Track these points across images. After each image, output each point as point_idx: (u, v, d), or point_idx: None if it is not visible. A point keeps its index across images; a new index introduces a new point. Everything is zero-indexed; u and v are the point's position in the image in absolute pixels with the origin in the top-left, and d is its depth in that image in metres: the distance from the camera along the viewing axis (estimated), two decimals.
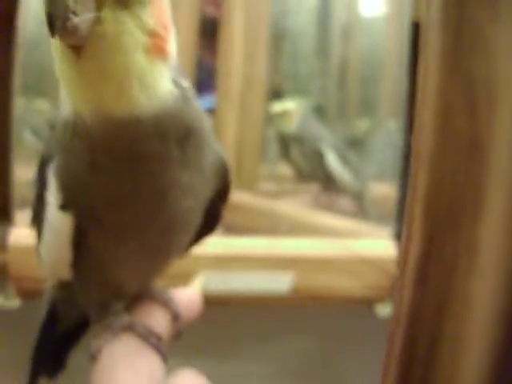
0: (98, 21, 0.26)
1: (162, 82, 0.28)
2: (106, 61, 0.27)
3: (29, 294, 0.59)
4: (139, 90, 0.27)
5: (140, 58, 0.27)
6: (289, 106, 1.04)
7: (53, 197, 0.32)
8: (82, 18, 0.25)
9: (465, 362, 0.16)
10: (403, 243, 0.19)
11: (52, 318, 0.43)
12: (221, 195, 0.36)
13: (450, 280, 0.16)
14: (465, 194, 0.16)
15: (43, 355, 0.44)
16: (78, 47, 0.26)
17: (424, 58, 0.17)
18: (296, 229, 0.83)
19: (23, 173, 0.64)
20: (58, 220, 0.32)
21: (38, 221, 0.36)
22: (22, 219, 0.63)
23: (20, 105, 0.61)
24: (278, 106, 1.05)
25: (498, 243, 0.15)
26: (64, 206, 0.32)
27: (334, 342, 0.71)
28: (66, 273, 0.35)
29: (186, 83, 0.30)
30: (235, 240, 0.62)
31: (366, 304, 0.63)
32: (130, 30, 0.26)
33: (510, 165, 0.14)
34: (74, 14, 0.24)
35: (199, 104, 0.32)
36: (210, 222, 0.38)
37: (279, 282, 0.60)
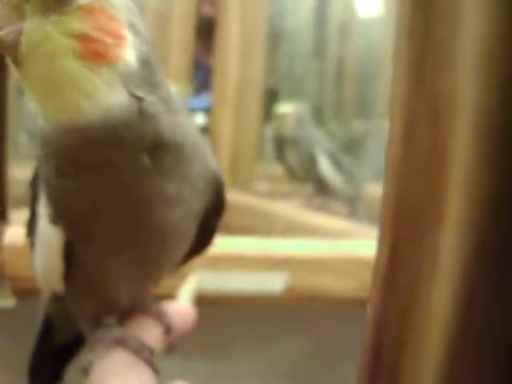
0: (21, 32, 0.26)
1: (105, 89, 0.27)
2: (36, 68, 0.27)
3: (24, 294, 0.59)
4: (75, 96, 0.27)
5: (69, 64, 0.26)
6: (288, 108, 1.04)
7: (43, 210, 0.32)
8: (6, 32, 0.26)
9: (425, 368, 0.16)
10: (376, 252, 0.19)
11: (48, 329, 0.43)
12: (215, 210, 0.36)
13: (414, 286, 0.17)
14: (427, 202, 0.16)
15: (40, 367, 0.44)
16: (14, 57, 0.27)
17: (394, 68, 0.17)
18: (291, 229, 0.83)
19: (18, 172, 0.64)
20: (49, 234, 0.32)
21: (31, 233, 0.36)
22: (17, 218, 0.63)
23: (14, 105, 0.61)
24: (279, 108, 1.05)
25: (457, 249, 0.15)
26: (54, 220, 0.32)
27: (328, 342, 0.71)
28: (59, 285, 0.35)
29: (156, 94, 0.29)
30: (229, 240, 0.62)
31: (360, 305, 0.63)
32: (51, 37, 0.26)
33: (468, 176, 0.15)
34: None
35: (183, 114, 0.31)
36: (204, 237, 0.37)
37: (273, 283, 0.61)
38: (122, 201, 0.30)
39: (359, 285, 0.60)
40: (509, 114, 0.14)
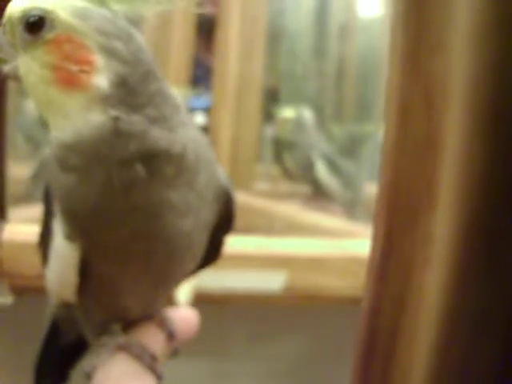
0: (17, 66, 0.31)
1: (78, 111, 0.29)
2: (30, 95, 0.31)
3: (22, 291, 0.59)
4: (54, 118, 0.30)
5: (47, 91, 0.30)
6: (290, 113, 1.05)
7: (58, 227, 0.33)
8: (10, 66, 0.31)
9: (418, 353, 0.16)
10: (371, 243, 0.19)
11: (54, 331, 0.44)
12: (224, 224, 0.37)
13: (407, 273, 0.17)
14: (420, 189, 0.16)
15: (46, 367, 0.44)
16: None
17: (389, 57, 0.17)
18: (290, 228, 0.83)
19: (16, 171, 0.64)
20: (66, 250, 0.33)
21: (44, 245, 0.37)
22: (16, 216, 0.63)
23: (13, 105, 0.62)
24: (281, 112, 1.06)
25: (449, 233, 0.15)
26: (69, 236, 0.32)
27: (326, 340, 0.71)
28: (71, 297, 0.36)
29: (138, 113, 0.30)
30: (229, 238, 0.62)
31: (358, 303, 0.63)
32: (32, 70, 0.30)
33: (460, 160, 0.15)
34: (5, 62, 0.31)
35: (185, 128, 0.32)
36: (212, 250, 0.38)
37: (272, 281, 0.61)
38: (124, 207, 0.31)
39: (358, 283, 0.60)
40: (500, 98, 0.14)
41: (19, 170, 0.71)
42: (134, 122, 0.30)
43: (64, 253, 0.33)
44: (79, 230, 0.32)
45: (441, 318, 0.15)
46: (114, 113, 0.29)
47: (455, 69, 0.15)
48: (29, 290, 0.56)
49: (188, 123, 0.33)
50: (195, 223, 0.33)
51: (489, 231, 0.15)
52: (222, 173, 0.36)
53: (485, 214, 0.15)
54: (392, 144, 0.17)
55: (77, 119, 0.29)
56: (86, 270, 0.34)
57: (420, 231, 0.16)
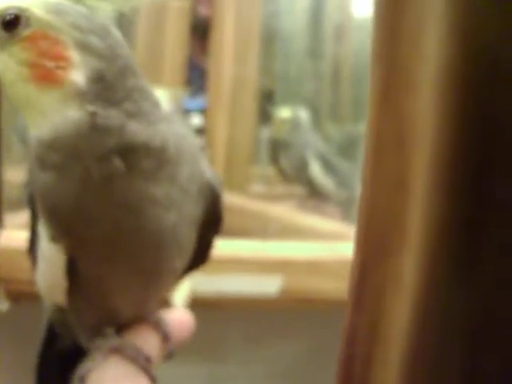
0: None
1: (55, 107, 0.30)
2: (7, 93, 0.31)
3: (19, 297, 0.59)
4: (32, 115, 0.30)
5: (24, 88, 0.30)
6: (286, 113, 1.05)
7: (43, 230, 0.33)
8: None
9: (390, 379, 0.16)
10: (350, 271, 0.19)
11: (52, 336, 0.43)
12: (212, 223, 0.36)
13: (380, 304, 0.17)
14: (391, 228, 0.16)
15: (46, 372, 0.44)
16: None
17: (369, 91, 0.17)
18: (286, 231, 0.83)
19: (12, 175, 0.64)
20: (52, 252, 0.33)
21: (33, 249, 0.37)
22: (11, 222, 0.63)
23: (7, 107, 0.62)
24: (278, 112, 1.06)
25: (416, 274, 0.15)
26: (54, 238, 0.32)
27: (322, 344, 0.71)
28: (62, 299, 0.36)
29: (117, 108, 0.30)
30: (224, 242, 0.62)
31: None
32: (8, 67, 0.30)
33: (427, 204, 0.15)
34: None
35: (166, 122, 0.32)
36: (201, 252, 0.38)
37: (268, 285, 0.61)
38: (105, 202, 0.31)
39: None
40: (466, 141, 0.14)
41: (15, 175, 0.71)
42: (112, 116, 0.30)
43: (50, 255, 0.33)
44: (62, 229, 0.32)
45: (406, 350, 0.16)
46: (91, 108, 0.29)
47: (424, 109, 0.15)
48: (25, 296, 0.56)
49: (172, 119, 0.33)
50: (179, 217, 0.33)
51: (450, 273, 0.15)
52: (210, 169, 0.35)
53: (447, 258, 0.15)
54: (367, 180, 0.17)
55: (54, 116, 0.30)
56: (74, 272, 0.34)
57: (390, 267, 0.16)
